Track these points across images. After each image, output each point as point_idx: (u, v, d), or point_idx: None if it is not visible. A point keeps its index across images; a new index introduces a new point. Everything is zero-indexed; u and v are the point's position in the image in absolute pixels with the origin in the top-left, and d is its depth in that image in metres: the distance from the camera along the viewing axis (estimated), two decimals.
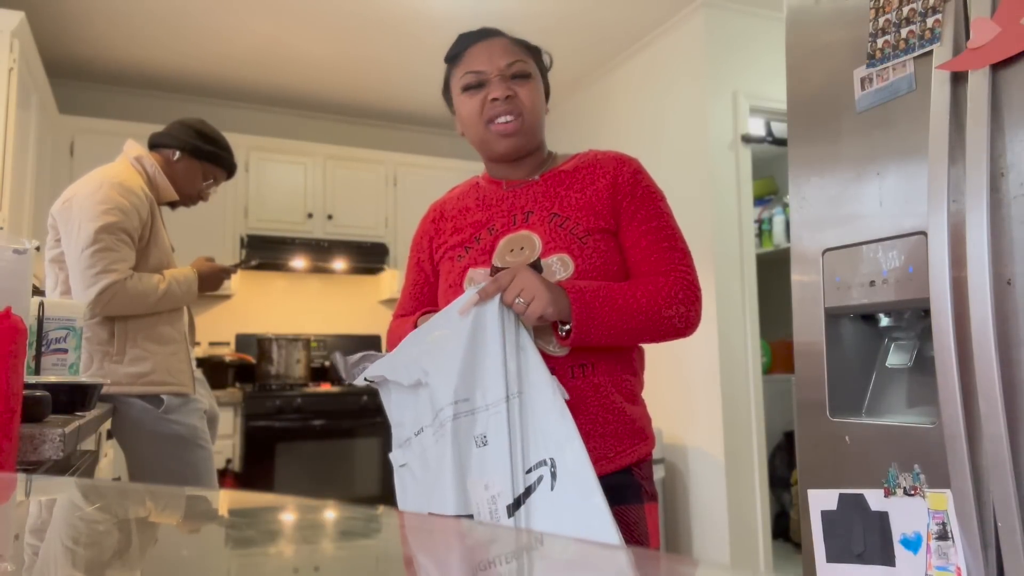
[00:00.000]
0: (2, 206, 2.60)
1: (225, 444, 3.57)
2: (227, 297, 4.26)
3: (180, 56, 3.77)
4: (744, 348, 3.12)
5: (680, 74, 3.39)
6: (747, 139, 3.23)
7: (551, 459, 1.05)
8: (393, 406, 1.19)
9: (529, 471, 1.05)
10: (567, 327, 1.13)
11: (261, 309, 4.36)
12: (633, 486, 1.20)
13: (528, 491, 1.04)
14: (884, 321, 1.41)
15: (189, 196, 2.23)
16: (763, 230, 3.93)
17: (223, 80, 4.10)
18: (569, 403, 1.11)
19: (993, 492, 1.10)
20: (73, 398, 1.37)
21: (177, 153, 2.16)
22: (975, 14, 1.16)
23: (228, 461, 3.61)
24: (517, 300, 1.10)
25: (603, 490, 1.06)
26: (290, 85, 4.18)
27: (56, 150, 3.58)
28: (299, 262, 4.13)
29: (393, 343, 1.34)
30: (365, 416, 3.80)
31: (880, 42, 1.32)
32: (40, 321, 1.59)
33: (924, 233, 1.22)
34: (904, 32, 1.28)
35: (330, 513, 0.55)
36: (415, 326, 1.25)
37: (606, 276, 1.20)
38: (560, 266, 1.19)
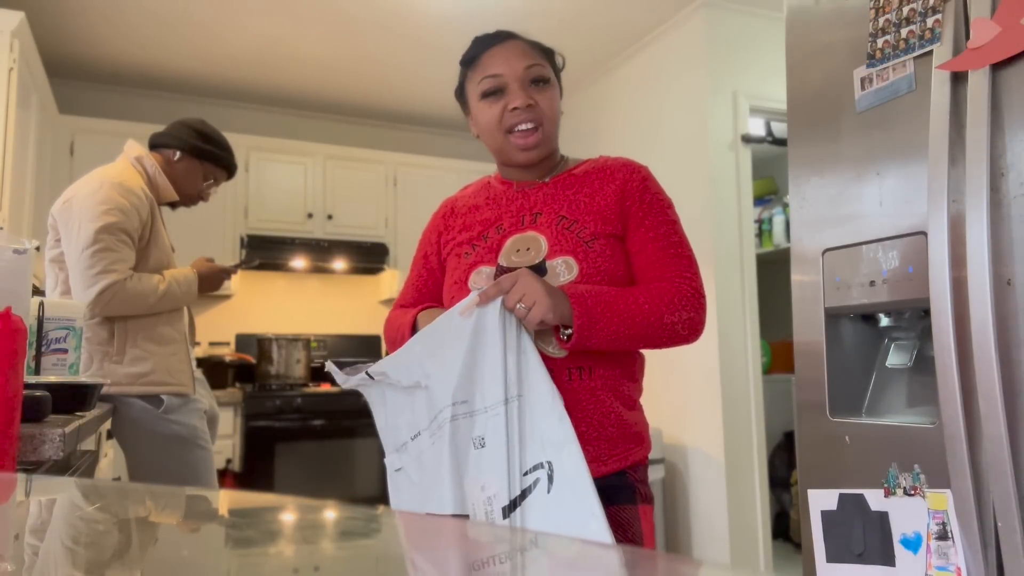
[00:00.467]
0: (2, 206, 2.60)
1: (225, 444, 3.57)
2: (227, 297, 4.26)
3: (180, 56, 3.77)
4: (744, 348, 3.12)
5: (680, 74, 3.39)
6: (747, 139, 3.23)
7: (548, 462, 1.06)
8: (389, 411, 1.19)
9: (526, 473, 1.06)
10: (568, 331, 1.14)
11: (261, 309, 4.36)
12: (627, 487, 1.20)
13: (524, 493, 1.05)
14: (884, 321, 1.41)
15: (189, 196, 2.22)
16: (763, 230, 3.93)
17: (223, 80, 4.10)
18: (565, 405, 1.12)
19: (993, 492, 1.10)
20: (73, 398, 1.37)
21: (177, 153, 2.16)
22: (975, 14, 1.16)
23: (228, 461, 3.61)
24: (519, 305, 1.10)
25: (597, 492, 1.07)
26: (290, 85, 4.18)
27: (56, 150, 3.58)
28: (299, 262, 4.13)
29: (389, 332, 1.36)
30: (365, 416, 3.76)
31: (880, 42, 1.32)
32: (40, 321, 1.59)
33: (924, 233, 1.22)
34: (904, 32, 1.28)
35: (330, 513, 0.55)
36: (414, 323, 1.26)
37: (610, 281, 1.20)
38: (564, 268, 1.20)
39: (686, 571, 0.41)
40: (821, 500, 1.36)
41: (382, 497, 3.79)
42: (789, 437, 3.89)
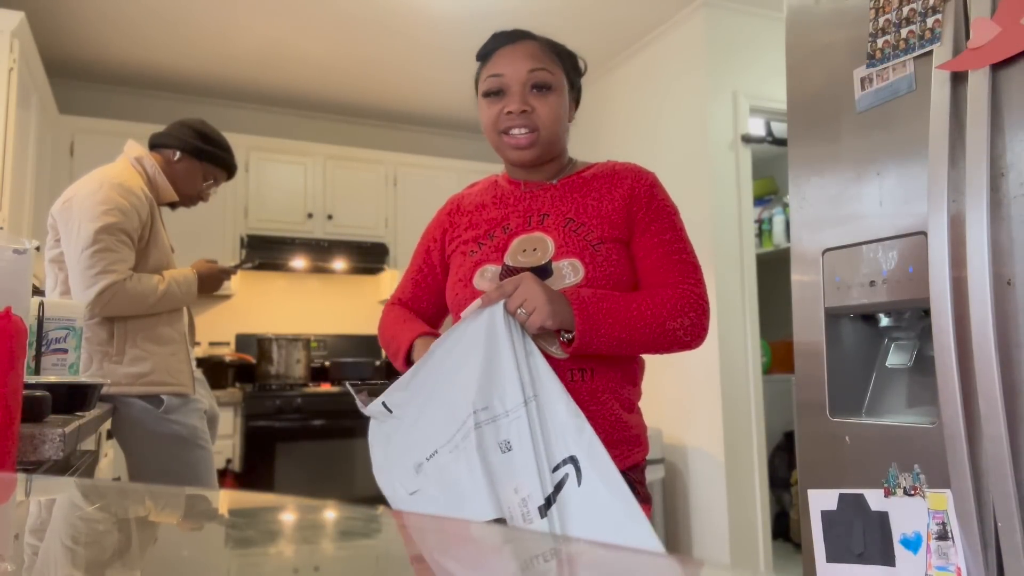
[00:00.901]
0: (2, 206, 2.60)
1: (225, 444, 3.57)
2: (227, 297, 4.26)
3: (180, 56, 3.77)
4: (744, 348, 3.12)
5: (680, 74, 3.39)
6: (747, 139, 3.23)
7: (573, 456, 1.07)
8: (402, 437, 1.18)
9: (555, 470, 1.07)
10: (570, 335, 1.14)
11: (261, 309, 4.36)
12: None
13: (558, 489, 1.06)
14: (884, 321, 1.41)
15: (189, 197, 2.22)
16: (763, 230, 3.93)
17: (223, 80, 4.10)
18: None
19: (993, 492, 1.10)
20: (73, 398, 1.37)
21: (177, 153, 2.16)
22: (975, 14, 1.16)
23: (228, 461, 3.61)
24: (519, 310, 1.11)
25: None
26: (290, 85, 4.18)
27: (56, 150, 3.58)
28: (299, 262, 4.13)
29: (384, 333, 1.36)
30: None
31: (880, 42, 1.32)
32: (40, 321, 1.59)
33: (924, 233, 1.22)
34: (904, 32, 1.28)
35: (330, 513, 0.55)
36: (410, 348, 1.26)
37: (615, 285, 1.21)
38: (570, 271, 1.20)
39: (686, 571, 0.41)
40: (821, 500, 1.36)
41: (382, 497, 3.80)
42: (789, 437, 3.89)
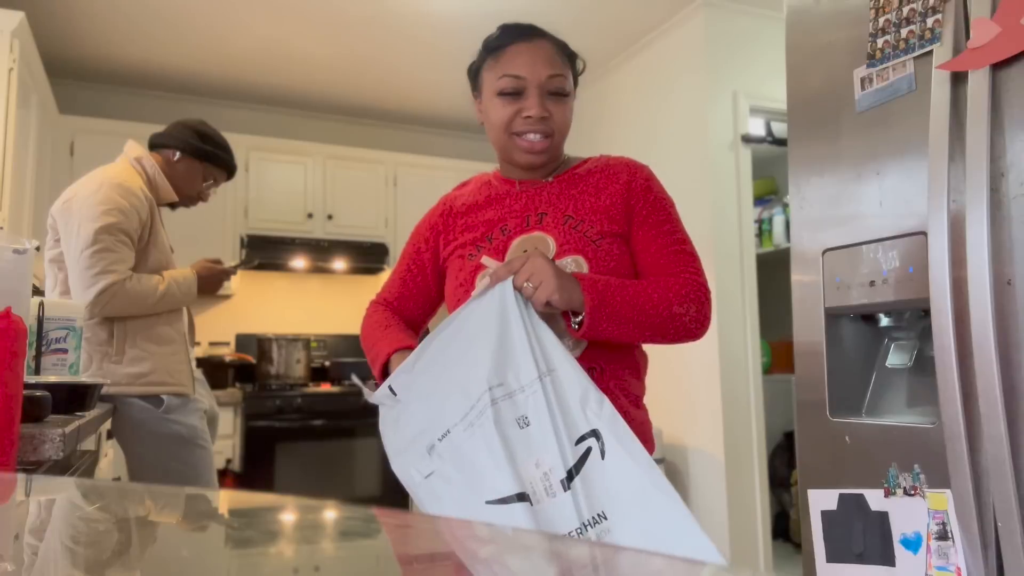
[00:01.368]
0: (2, 206, 2.60)
1: (225, 444, 3.57)
2: (227, 297, 4.26)
3: (180, 56, 3.77)
4: (744, 348, 3.12)
5: (680, 74, 3.39)
6: (747, 139, 3.23)
7: (595, 430, 1.06)
8: (411, 420, 1.16)
9: (578, 442, 1.05)
10: (579, 318, 1.13)
11: (261, 309, 4.36)
12: None
13: (582, 461, 1.04)
14: (884, 321, 1.41)
15: (189, 197, 2.22)
16: (763, 230, 3.93)
17: (223, 80, 4.10)
18: None
19: (993, 492, 1.10)
20: (73, 398, 1.37)
21: (177, 154, 2.16)
22: (975, 14, 1.16)
23: (228, 461, 3.61)
24: (526, 284, 1.10)
25: None
26: (290, 85, 4.18)
27: (56, 150, 3.57)
28: (299, 262, 4.13)
29: (365, 333, 1.35)
30: (365, 416, 3.80)
31: (880, 42, 1.32)
32: (40, 321, 1.59)
33: (924, 233, 1.22)
34: (904, 32, 1.28)
35: (330, 513, 0.55)
36: (387, 361, 1.24)
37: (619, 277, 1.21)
38: (575, 268, 1.20)
39: (688, 571, 0.41)
40: (821, 500, 1.36)
41: (382, 497, 3.80)
42: (789, 437, 3.89)
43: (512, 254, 1.24)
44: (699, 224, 3.14)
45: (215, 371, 3.82)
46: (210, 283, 2.17)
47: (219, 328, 4.23)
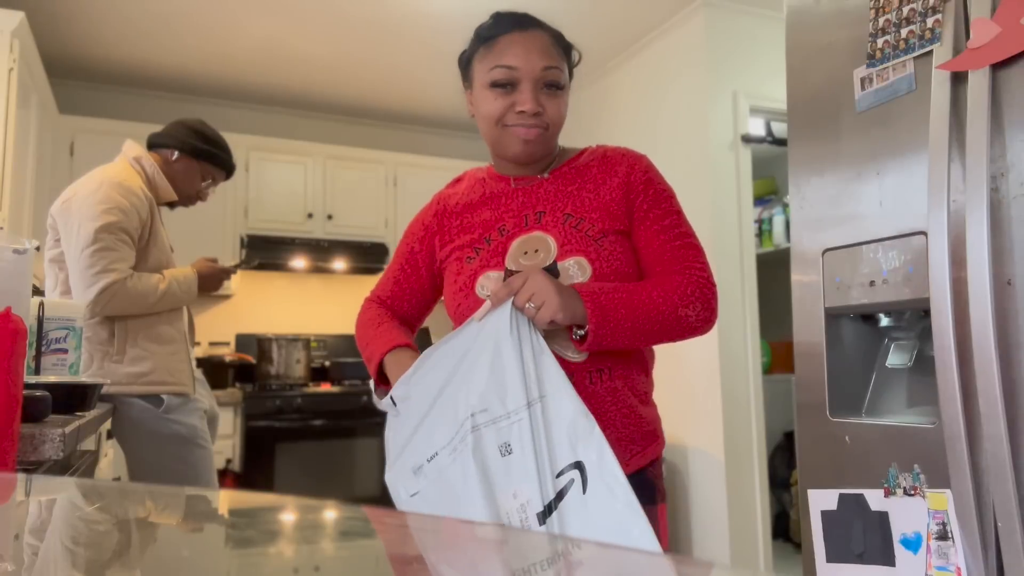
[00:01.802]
0: (2, 206, 2.60)
1: (225, 444, 3.57)
2: (227, 297, 4.26)
3: (180, 56, 3.77)
4: (744, 348, 3.12)
5: (680, 74, 3.39)
6: (747, 139, 3.23)
7: (579, 462, 1.03)
8: (403, 435, 1.15)
9: (559, 475, 1.03)
10: (582, 331, 1.10)
11: (261, 309, 4.36)
12: (648, 487, 1.18)
13: (559, 496, 1.02)
14: (884, 321, 1.41)
15: (188, 196, 2.23)
16: (763, 230, 3.93)
17: (223, 80, 4.10)
18: (588, 409, 1.09)
19: (993, 492, 1.09)
20: (73, 398, 1.37)
21: (176, 153, 2.16)
22: (975, 14, 1.16)
23: (228, 461, 3.61)
24: (528, 305, 1.07)
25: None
26: (290, 85, 4.18)
27: (56, 150, 3.57)
28: (299, 262, 4.13)
29: (360, 332, 1.33)
30: (365, 416, 3.80)
31: (880, 42, 1.32)
32: (40, 321, 1.59)
33: (924, 233, 1.22)
34: (904, 32, 1.28)
35: (330, 513, 0.55)
36: (381, 358, 1.22)
37: (623, 278, 1.17)
38: (577, 269, 1.16)
39: (689, 571, 0.41)
40: (821, 500, 1.36)
41: (382, 497, 3.79)
42: (789, 437, 3.89)
43: (512, 255, 1.20)
44: (699, 224, 3.13)
45: (215, 371, 3.82)
46: (210, 282, 2.17)
47: (219, 328, 4.23)
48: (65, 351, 1.63)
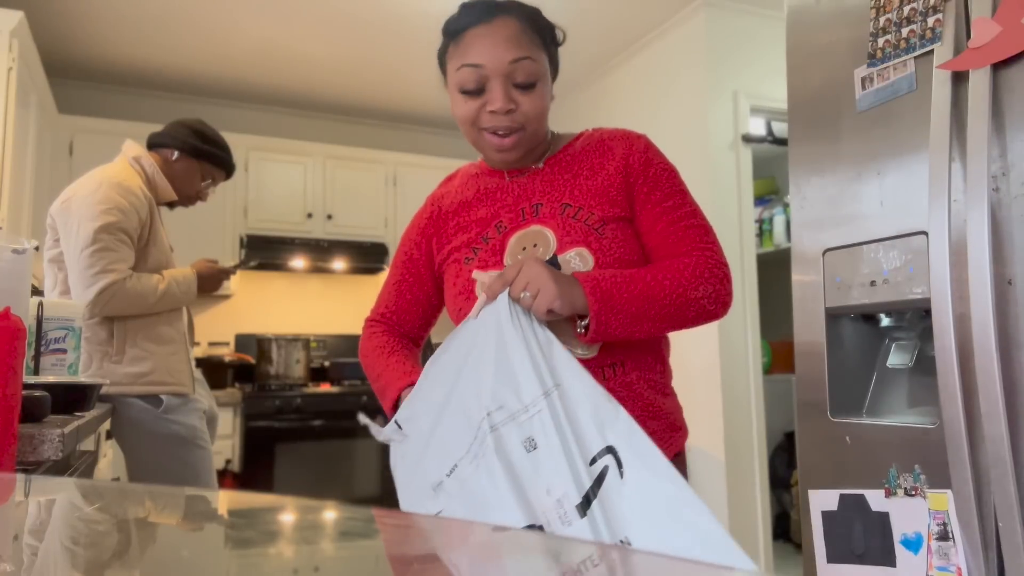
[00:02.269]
0: (1, 206, 2.59)
1: (225, 444, 3.57)
2: (227, 297, 4.26)
3: (180, 56, 3.77)
4: (744, 348, 3.12)
5: (680, 74, 3.39)
6: (747, 139, 3.23)
7: (611, 446, 0.95)
8: (416, 456, 1.07)
9: (592, 463, 0.94)
10: (585, 322, 1.04)
11: (261, 309, 4.36)
12: None
13: (598, 483, 0.93)
14: (885, 321, 1.41)
15: (187, 196, 2.22)
16: (763, 230, 3.92)
17: (223, 80, 4.10)
18: None
19: (994, 492, 1.09)
20: (72, 398, 1.36)
21: (175, 153, 2.16)
22: (976, 14, 1.16)
23: (228, 461, 3.61)
24: (524, 294, 1.00)
25: None
26: (290, 85, 4.18)
27: (55, 150, 3.57)
28: (299, 262, 4.13)
29: (368, 359, 1.25)
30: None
31: (881, 41, 1.32)
32: (39, 321, 1.59)
33: (925, 233, 1.22)
34: (905, 31, 1.28)
35: (330, 513, 0.55)
36: (398, 395, 1.15)
37: (628, 267, 1.11)
38: (579, 262, 1.10)
39: (689, 571, 0.41)
40: (822, 500, 1.36)
41: (382, 498, 3.79)
42: (789, 437, 3.89)
43: (510, 251, 1.16)
44: None
45: (215, 371, 3.82)
46: (210, 282, 2.17)
47: (219, 328, 4.23)
48: (64, 351, 1.63)
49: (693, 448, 3.20)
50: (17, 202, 2.79)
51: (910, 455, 1.24)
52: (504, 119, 1.11)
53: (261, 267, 4.13)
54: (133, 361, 1.97)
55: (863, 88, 1.35)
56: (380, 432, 1.10)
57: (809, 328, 1.44)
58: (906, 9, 1.28)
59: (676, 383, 1.25)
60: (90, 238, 1.90)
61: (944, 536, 1.17)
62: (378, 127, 4.78)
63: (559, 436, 0.94)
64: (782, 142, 3.25)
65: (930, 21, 1.24)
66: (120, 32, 3.49)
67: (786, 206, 3.77)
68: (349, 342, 4.46)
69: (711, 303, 1.09)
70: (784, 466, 3.90)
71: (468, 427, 1.00)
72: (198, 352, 3.97)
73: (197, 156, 2.18)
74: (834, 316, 1.40)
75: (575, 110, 4.24)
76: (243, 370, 4.04)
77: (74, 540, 0.48)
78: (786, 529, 3.80)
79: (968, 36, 1.17)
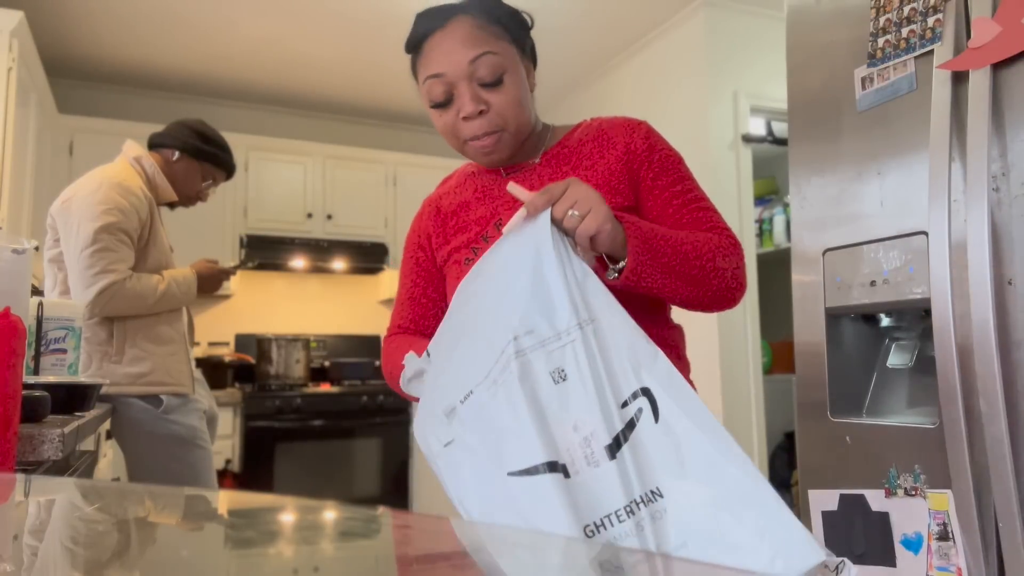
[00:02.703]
0: (1, 206, 2.59)
1: (225, 444, 3.57)
2: (227, 297, 4.26)
3: (180, 56, 3.77)
4: (745, 348, 3.12)
5: (680, 74, 3.39)
6: (747, 139, 3.23)
7: (646, 388, 0.89)
8: (433, 381, 0.99)
9: (624, 405, 0.87)
10: (619, 265, 0.97)
11: (261, 309, 4.36)
12: None
13: (630, 426, 0.86)
14: (885, 321, 1.41)
15: (188, 196, 2.22)
16: (763, 230, 3.92)
17: (223, 80, 4.10)
18: None
19: (994, 492, 1.09)
20: (72, 398, 1.36)
21: (176, 153, 2.16)
22: (976, 14, 1.16)
23: (228, 461, 3.61)
24: (571, 213, 0.91)
25: None
26: (290, 85, 4.18)
27: (55, 150, 3.57)
28: (299, 262, 4.13)
29: (390, 365, 1.17)
30: (365, 416, 3.80)
31: (881, 41, 1.32)
32: (39, 321, 1.59)
33: (925, 233, 1.22)
34: (905, 31, 1.28)
35: (330, 513, 0.55)
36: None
37: None
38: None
39: (690, 572, 0.41)
40: (822, 500, 1.36)
41: (382, 497, 3.80)
42: (789, 437, 3.89)
43: None
44: None
45: (214, 371, 3.82)
46: (210, 283, 2.17)
47: (219, 328, 4.23)
48: (64, 351, 1.63)
49: None
50: (17, 202, 2.79)
51: (910, 455, 1.24)
52: (480, 123, 1.08)
53: (261, 267, 4.13)
54: (133, 361, 1.97)
55: (863, 88, 1.35)
56: (408, 383, 1.01)
57: (809, 328, 1.44)
58: (906, 9, 1.28)
59: None
60: (90, 238, 1.90)
61: (944, 536, 1.17)
62: (378, 127, 4.78)
63: (591, 370, 0.86)
64: (782, 142, 3.25)
65: (930, 21, 1.24)
66: (120, 32, 3.49)
67: (786, 206, 3.76)
68: (349, 342, 4.46)
69: (733, 279, 1.05)
70: (784, 466, 3.90)
71: (490, 349, 0.91)
72: (198, 352, 3.97)
73: (198, 156, 2.18)
74: (834, 316, 1.40)
75: (575, 109, 4.24)
76: (243, 370, 4.05)
77: (74, 540, 0.48)
78: None
79: (968, 36, 1.17)
